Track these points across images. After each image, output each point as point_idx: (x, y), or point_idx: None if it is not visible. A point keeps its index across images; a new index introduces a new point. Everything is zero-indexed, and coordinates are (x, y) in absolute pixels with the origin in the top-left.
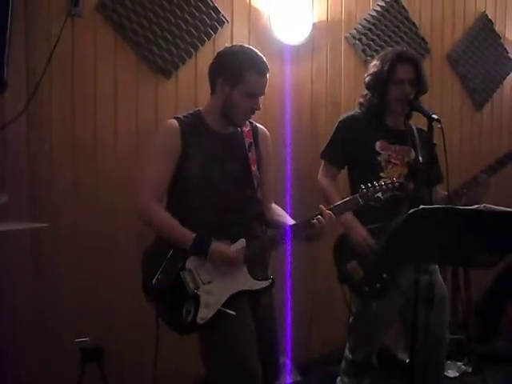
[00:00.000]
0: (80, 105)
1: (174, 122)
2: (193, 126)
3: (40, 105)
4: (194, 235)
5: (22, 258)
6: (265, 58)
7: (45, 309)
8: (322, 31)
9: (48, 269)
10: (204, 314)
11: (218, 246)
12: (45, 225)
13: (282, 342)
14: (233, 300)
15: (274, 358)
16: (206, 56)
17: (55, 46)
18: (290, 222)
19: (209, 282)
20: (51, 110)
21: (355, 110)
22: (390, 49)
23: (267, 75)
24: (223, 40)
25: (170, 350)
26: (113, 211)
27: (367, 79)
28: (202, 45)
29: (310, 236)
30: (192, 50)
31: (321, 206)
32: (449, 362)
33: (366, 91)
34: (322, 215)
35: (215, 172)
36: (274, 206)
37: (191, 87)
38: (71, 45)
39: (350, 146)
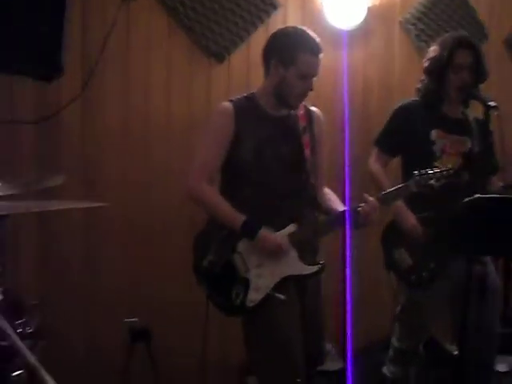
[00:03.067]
0: (133, 89)
1: (228, 104)
2: (247, 108)
3: (95, 89)
4: (243, 218)
5: (73, 238)
6: (318, 39)
7: (95, 287)
8: (376, 16)
9: (99, 250)
10: (253, 297)
11: (265, 232)
12: (105, 204)
13: (327, 328)
14: (282, 284)
15: (318, 345)
16: (258, 40)
17: (110, 31)
18: (341, 207)
19: (259, 266)
20: (105, 94)
21: (411, 98)
22: (449, 33)
23: (320, 56)
24: (276, 24)
25: (218, 336)
26: (164, 194)
27: (426, 64)
28: (255, 29)
29: (356, 223)
30: (245, 35)
31: (365, 194)
32: (500, 356)
33: (423, 76)
34: (366, 203)
35: (267, 156)
36: (326, 190)
37: (243, 72)
38: (126, 29)
39: (405, 135)
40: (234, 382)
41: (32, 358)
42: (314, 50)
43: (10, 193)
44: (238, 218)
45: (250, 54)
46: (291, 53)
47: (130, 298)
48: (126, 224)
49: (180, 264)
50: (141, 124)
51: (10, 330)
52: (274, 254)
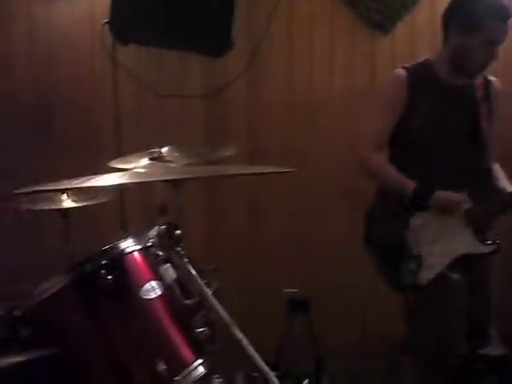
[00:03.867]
0: (297, 62)
1: (403, 72)
2: (421, 76)
3: (260, 64)
4: (415, 184)
5: (240, 208)
6: (508, 4)
7: (257, 256)
8: None
9: (263, 220)
10: (426, 275)
11: (441, 192)
12: (294, 169)
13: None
14: (455, 263)
15: (482, 328)
16: (424, 10)
17: (275, 6)
18: (509, 187)
19: (432, 243)
20: (270, 68)
21: None
22: None
23: (508, 22)
24: None
25: (380, 310)
26: (326, 167)
27: None
28: None
29: None
30: (410, 4)
31: None
32: None
33: None
34: None
35: (440, 126)
36: (495, 167)
37: (408, 43)
38: (289, 4)
39: None
40: (393, 356)
41: (226, 315)
42: (503, 15)
43: (186, 162)
44: (410, 184)
45: (415, 24)
46: (477, 18)
47: (290, 268)
48: (286, 195)
49: (340, 237)
50: (304, 97)
51: (205, 287)
52: (454, 210)
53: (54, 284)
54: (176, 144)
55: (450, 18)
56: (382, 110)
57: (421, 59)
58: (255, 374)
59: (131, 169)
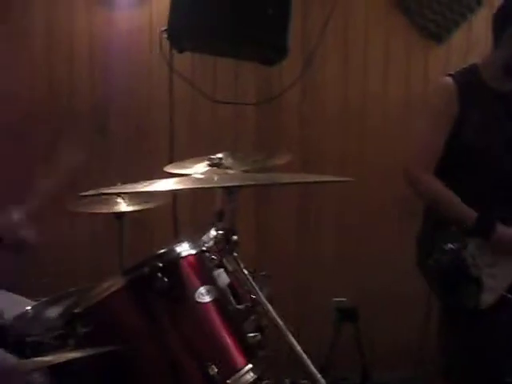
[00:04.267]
0: (351, 70)
1: (450, 80)
2: (470, 83)
3: (314, 71)
4: (476, 214)
5: (290, 208)
6: None
7: (306, 263)
8: None
9: (315, 227)
10: (487, 298)
11: (501, 229)
12: (352, 179)
13: None
14: None
15: None
16: (480, 18)
17: (330, 14)
18: None
19: (492, 265)
20: (324, 76)
21: None
22: None
23: None
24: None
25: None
26: (381, 176)
27: None
28: (479, 5)
29: None
30: (466, 12)
31: None
32: None
33: None
34: None
35: (494, 138)
36: None
37: (463, 53)
38: (344, 12)
39: None
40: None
41: (280, 321)
42: None
43: (241, 169)
44: (470, 214)
45: (471, 34)
46: None
47: (340, 277)
48: (338, 202)
49: (393, 248)
50: (358, 105)
51: (260, 293)
52: None
53: (111, 285)
54: (230, 151)
55: (503, 21)
56: (431, 123)
57: (465, 65)
58: (303, 382)
59: (188, 174)
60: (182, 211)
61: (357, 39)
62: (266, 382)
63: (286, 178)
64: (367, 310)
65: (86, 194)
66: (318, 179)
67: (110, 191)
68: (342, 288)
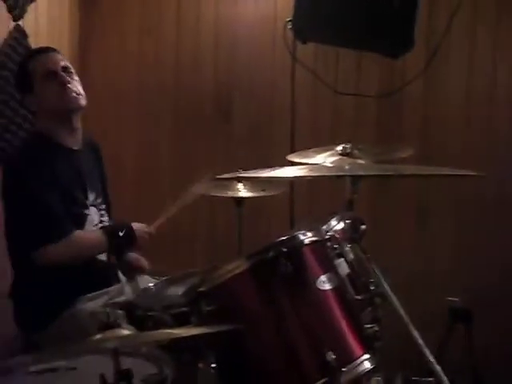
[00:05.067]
0: (478, 63)
1: None
2: None
3: (438, 64)
4: None
5: (407, 203)
6: None
7: (421, 259)
8: None
9: (429, 219)
10: None
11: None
12: (482, 174)
13: None
14: None
15: None
16: None
17: (456, 8)
18: None
19: None
20: (449, 69)
21: None
22: None
23: None
24: None
25: None
26: (505, 171)
27: None
28: None
29: None
30: None
31: None
32: None
33: None
34: None
35: None
36: None
37: None
38: (474, 2)
39: None
40: None
41: (404, 313)
42: None
43: (361, 162)
44: None
45: None
46: None
47: (455, 275)
48: (456, 198)
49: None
50: (484, 98)
51: (384, 283)
52: None
53: (236, 267)
54: (352, 142)
55: None
56: None
57: None
58: (415, 378)
59: (311, 164)
60: (299, 201)
61: (485, 30)
62: (378, 374)
63: (414, 170)
64: (482, 313)
65: (222, 176)
66: (450, 172)
67: (246, 175)
68: (456, 287)
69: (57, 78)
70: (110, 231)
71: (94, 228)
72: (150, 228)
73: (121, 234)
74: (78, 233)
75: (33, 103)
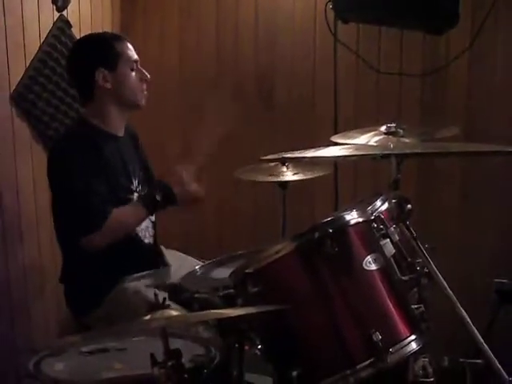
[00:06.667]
0: None
1: None
2: None
3: (484, 41)
4: None
5: (451, 183)
6: None
7: (466, 240)
8: None
9: (474, 199)
10: None
11: None
12: None
13: None
14: None
15: None
16: None
17: None
18: None
19: None
20: (495, 46)
21: None
22: None
23: None
24: None
25: None
26: None
27: None
28: None
29: None
30: None
31: None
32: None
33: None
34: None
35: None
36: None
37: None
38: None
39: None
40: None
41: (451, 293)
42: None
43: (405, 140)
44: None
45: None
46: None
47: (503, 256)
48: (499, 180)
49: None
50: None
51: (431, 264)
52: None
53: (282, 248)
54: (396, 121)
55: None
56: None
57: None
58: (462, 359)
59: (356, 144)
60: (343, 183)
61: None
62: (425, 355)
63: (460, 147)
64: None
65: (267, 157)
66: (496, 148)
67: (291, 155)
68: (504, 268)
69: (139, 71)
70: (147, 199)
71: None
72: (187, 178)
73: (158, 197)
74: (115, 212)
75: (109, 81)
